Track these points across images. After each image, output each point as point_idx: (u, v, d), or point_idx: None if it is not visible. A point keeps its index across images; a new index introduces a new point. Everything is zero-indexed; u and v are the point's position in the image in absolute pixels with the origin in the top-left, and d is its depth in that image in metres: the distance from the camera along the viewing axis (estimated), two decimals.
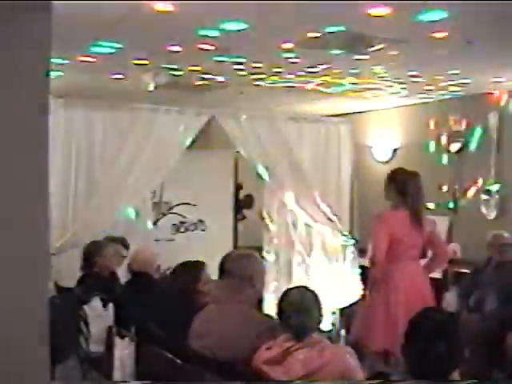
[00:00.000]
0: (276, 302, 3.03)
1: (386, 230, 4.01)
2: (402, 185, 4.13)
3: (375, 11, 3.58)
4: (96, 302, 3.60)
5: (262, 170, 6.06)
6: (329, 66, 5.19)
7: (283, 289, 3.40)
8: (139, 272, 4.34)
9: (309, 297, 2.94)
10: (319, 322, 2.93)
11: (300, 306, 2.87)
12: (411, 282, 3.94)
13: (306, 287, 3.05)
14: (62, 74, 5.35)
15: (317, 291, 3.00)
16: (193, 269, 3.97)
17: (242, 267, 3.31)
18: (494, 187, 6.36)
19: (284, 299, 2.96)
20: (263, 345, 2.91)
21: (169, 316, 3.59)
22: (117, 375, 2.95)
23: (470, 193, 6.60)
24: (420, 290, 3.99)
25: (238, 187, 8.91)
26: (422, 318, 2.42)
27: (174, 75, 5.49)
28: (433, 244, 4.25)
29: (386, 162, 7.74)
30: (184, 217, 6.97)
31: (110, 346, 3.19)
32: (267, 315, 3.36)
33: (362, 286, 6.36)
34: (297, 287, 3.09)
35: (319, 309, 2.92)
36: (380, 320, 3.95)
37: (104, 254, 4.50)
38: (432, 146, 7.09)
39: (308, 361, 2.76)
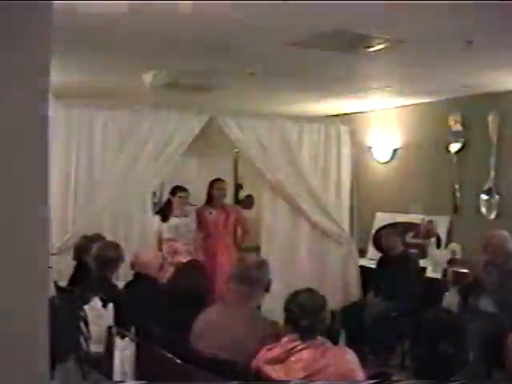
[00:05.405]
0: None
1: (199, 220, 6.20)
2: (212, 189, 6.26)
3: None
4: (96, 302, 3.59)
5: (261, 170, 6.06)
6: (328, 66, 5.19)
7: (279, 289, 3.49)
8: (140, 274, 4.33)
9: (319, 299, 2.95)
10: (326, 324, 2.94)
11: (311, 308, 2.88)
12: (218, 247, 6.17)
13: (314, 290, 3.06)
14: (62, 74, 5.34)
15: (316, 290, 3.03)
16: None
17: (263, 275, 3.37)
18: (494, 187, 6.36)
19: (292, 301, 2.95)
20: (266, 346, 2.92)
21: (174, 316, 3.60)
22: (117, 375, 2.94)
23: (470, 193, 6.59)
24: (222, 253, 6.09)
25: (238, 187, 8.93)
26: (428, 318, 2.41)
27: (174, 75, 5.49)
28: (240, 227, 6.43)
29: (386, 162, 7.74)
30: None
31: (110, 346, 3.18)
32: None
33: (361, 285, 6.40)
34: (307, 289, 3.08)
35: (326, 311, 2.93)
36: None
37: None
38: (432, 146, 7.09)
39: (310, 361, 2.76)
